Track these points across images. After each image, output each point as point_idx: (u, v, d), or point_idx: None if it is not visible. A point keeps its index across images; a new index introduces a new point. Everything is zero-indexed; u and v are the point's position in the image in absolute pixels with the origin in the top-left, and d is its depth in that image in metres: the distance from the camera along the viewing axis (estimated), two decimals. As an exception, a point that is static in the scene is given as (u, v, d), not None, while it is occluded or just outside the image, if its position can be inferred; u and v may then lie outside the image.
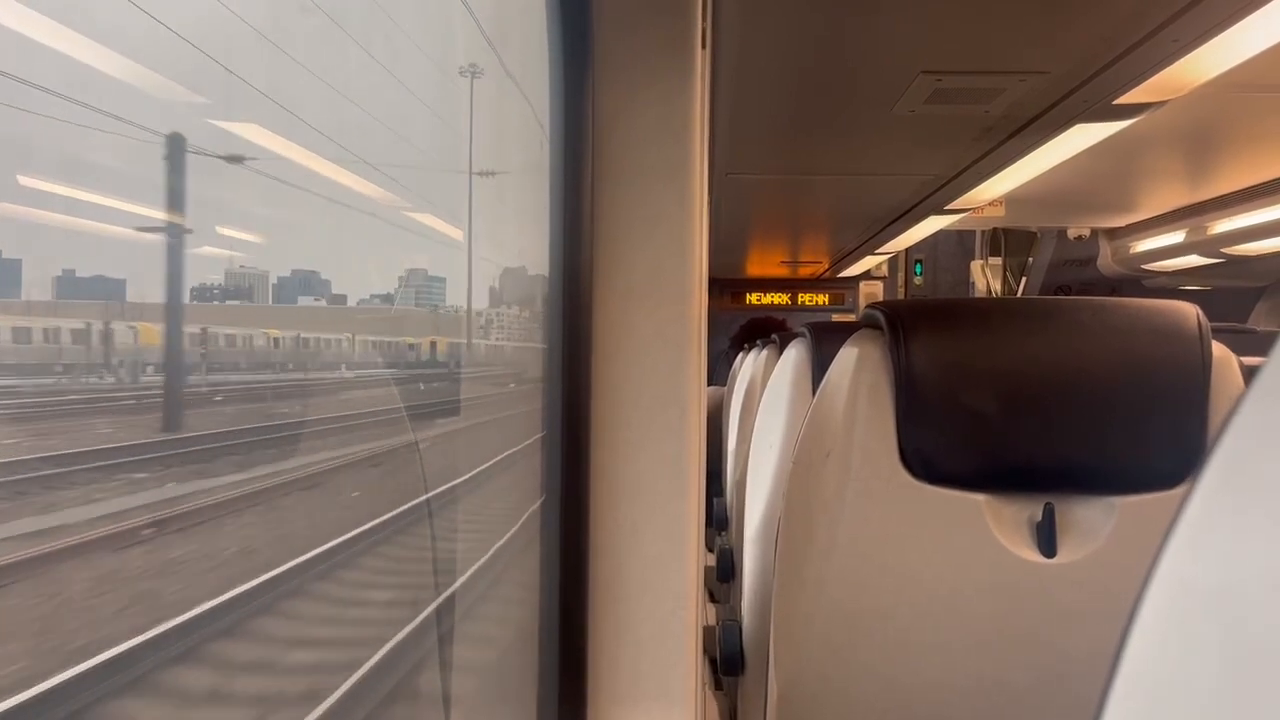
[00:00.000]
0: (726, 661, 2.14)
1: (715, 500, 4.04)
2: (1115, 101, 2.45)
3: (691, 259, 1.14)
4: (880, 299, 7.32)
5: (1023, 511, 1.35)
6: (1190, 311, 1.36)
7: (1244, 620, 0.30)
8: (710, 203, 3.84)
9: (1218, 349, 1.34)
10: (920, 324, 1.39)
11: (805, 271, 7.75)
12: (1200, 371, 1.31)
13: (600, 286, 1.12)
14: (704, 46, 1.22)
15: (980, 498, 1.35)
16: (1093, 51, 2.15)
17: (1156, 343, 1.34)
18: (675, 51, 1.10)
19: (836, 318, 7.24)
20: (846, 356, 1.46)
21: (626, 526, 1.13)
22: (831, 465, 1.41)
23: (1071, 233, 5.49)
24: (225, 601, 5.23)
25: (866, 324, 1.48)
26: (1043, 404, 1.34)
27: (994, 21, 2.02)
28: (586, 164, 1.11)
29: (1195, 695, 0.32)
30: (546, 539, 1.14)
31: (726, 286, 7.78)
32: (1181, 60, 2.12)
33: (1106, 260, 5.42)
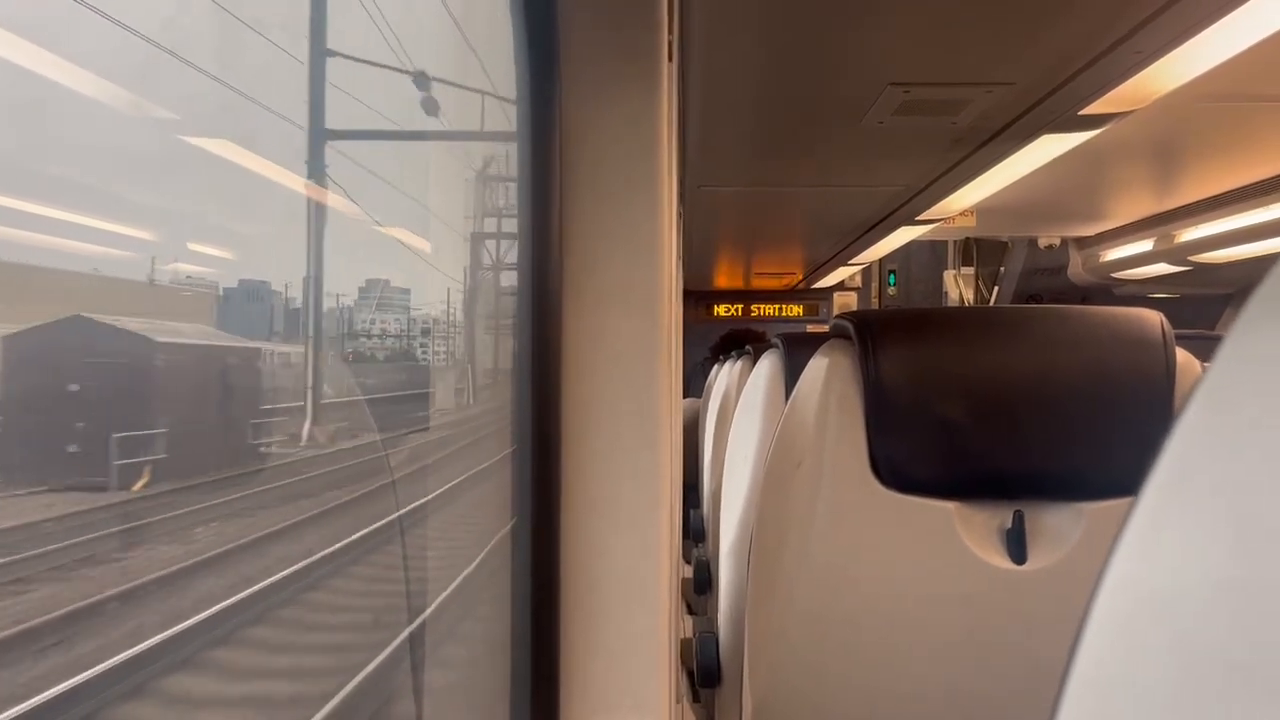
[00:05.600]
0: (703, 673, 2.14)
1: (692, 512, 4.03)
2: (1081, 112, 2.48)
3: (661, 271, 1.14)
4: (854, 309, 7.35)
5: (993, 519, 1.36)
6: (1154, 319, 1.37)
7: (1190, 623, 0.31)
8: (682, 216, 3.86)
9: (1181, 355, 1.35)
10: (888, 334, 1.39)
11: (780, 283, 7.78)
12: (1164, 378, 1.33)
13: (570, 299, 1.12)
14: (670, 59, 1.22)
15: (950, 505, 1.36)
16: (1058, 63, 2.18)
17: (1121, 350, 1.35)
18: (641, 64, 1.11)
19: (811, 329, 7.27)
20: (816, 367, 1.46)
21: (598, 540, 1.12)
22: (802, 476, 1.41)
23: (1042, 242, 5.54)
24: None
25: (836, 334, 1.49)
26: (1010, 411, 1.35)
27: (960, 33, 2.04)
28: (554, 176, 1.11)
29: (1144, 699, 0.32)
30: (518, 554, 1.14)
31: (701, 299, 7.80)
32: (1145, 71, 2.15)
33: (1077, 269, 5.47)
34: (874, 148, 3.00)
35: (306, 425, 8.99)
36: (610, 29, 1.09)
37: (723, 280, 7.64)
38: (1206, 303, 5.41)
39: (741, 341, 4.91)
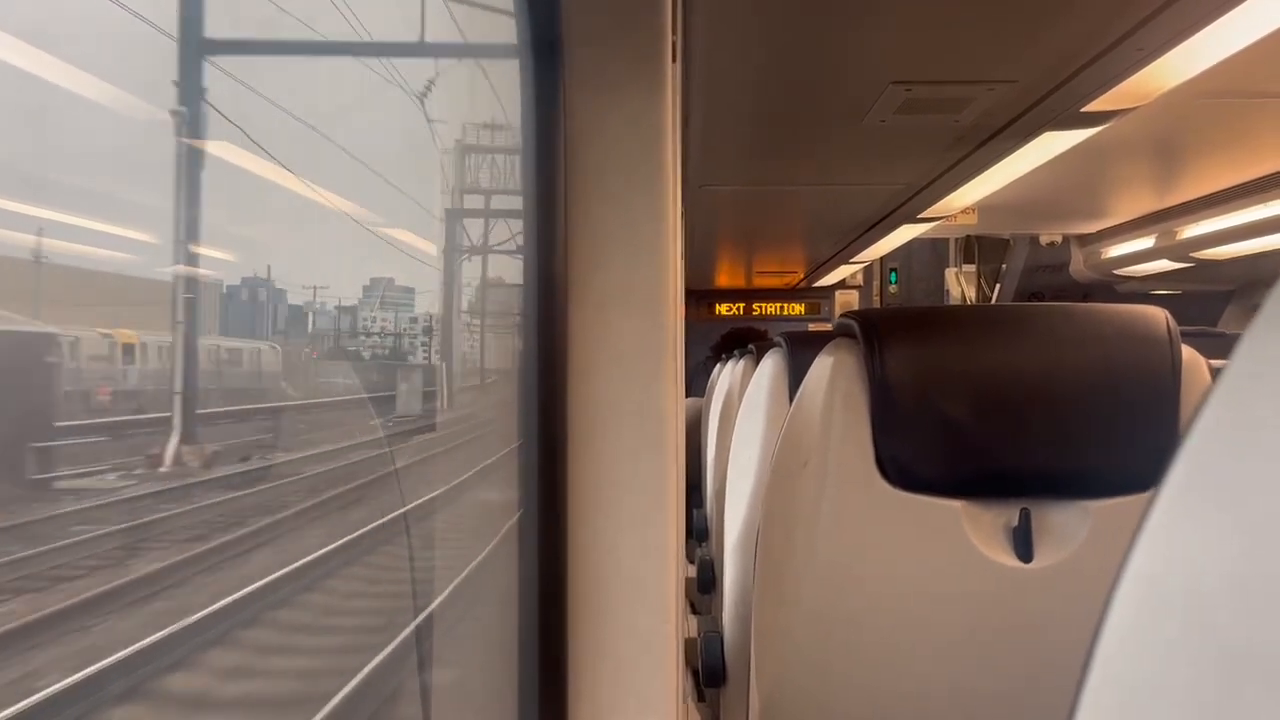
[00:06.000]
0: (708, 673, 2.13)
1: (695, 511, 4.03)
2: (1083, 109, 2.48)
3: (665, 270, 1.14)
4: (856, 307, 7.35)
5: (999, 517, 1.36)
6: (1160, 316, 1.37)
7: (1210, 619, 0.31)
8: (685, 215, 3.86)
9: (1187, 353, 1.35)
10: (894, 332, 1.39)
11: (781, 281, 7.79)
12: (1170, 375, 1.33)
13: (574, 299, 1.12)
14: (674, 60, 1.22)
15: (957, 504, 1.36)
16: (1060, 60, 2.18)
17: (1127, 347, 1.35)
18: (645, 65, 1.11)
19: (813, 327, 7.26)
20: (821, 366, 1.46)
21: (604, 540, 1.12)
22: (808, 475, 1.41)
23: (1044, 239, 5.54)
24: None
25: (841, 333, 1.48)
26: (1016, 409, 1.35)
27: (962, 31, 2.04)
28: (559, 177, 1.11)
29: (1165, 695, 0.32)
30: (524, 553, 1.14)
31: (703, 298, 7.80)
32: (1147, 68, 2.15)
33: (1078, 266, 5.47)
34: (876, 146, 3.00)
35: (172, 443, 6.69)
36: (615, 30, 1.10)
37: (724, 279, 7.64)
38: (1209, 299, 5.40)
39: (743, 340, 4.92)
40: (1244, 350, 0.33)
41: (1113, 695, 0.35)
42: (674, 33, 1.19)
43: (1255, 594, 0.29)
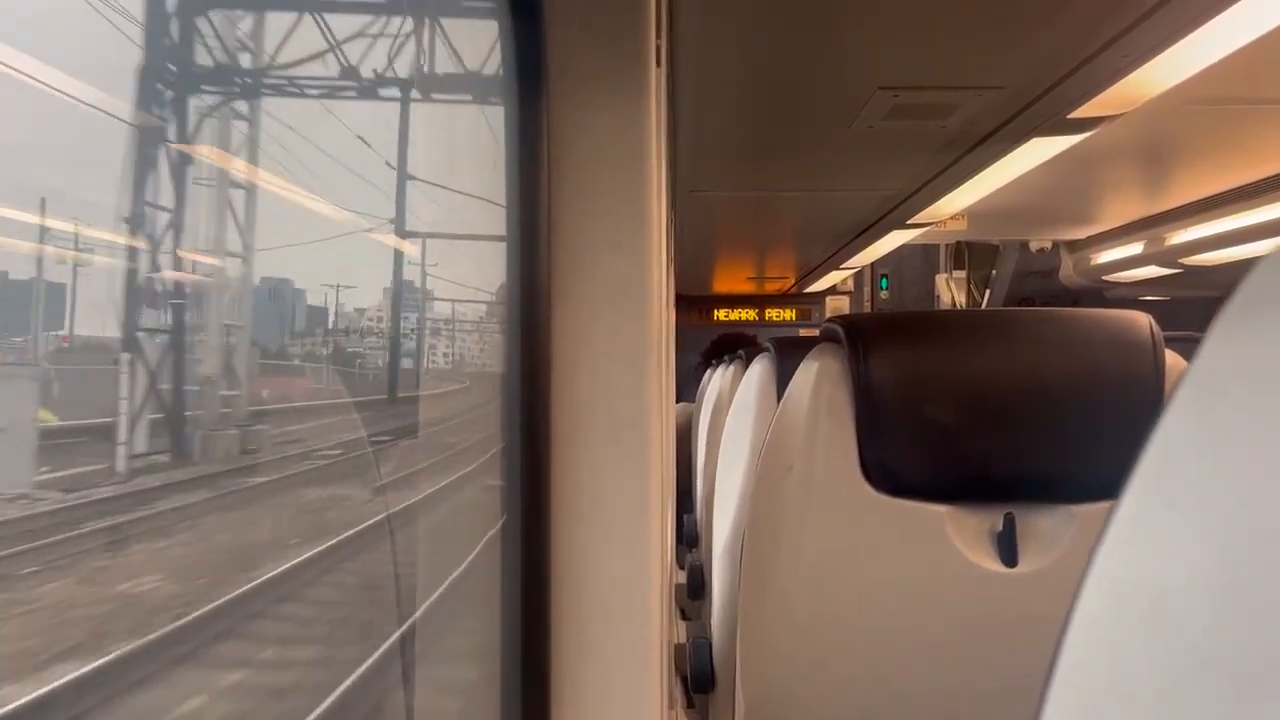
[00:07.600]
0: (696, 679, 2.13)
1: (686, 517, 4.03)
2: (1070, 115, 2.49)
3: (651, 275, 1.14)
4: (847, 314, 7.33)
5: (984, 522, 1.36)
6: (1143, 321, 1.38)
7: (1171, 619, 0.31)
8: (675, 220, 3.86)
9: (1170, 357, 1.36)
10: (878, 337, 1.39)
11: (772, 287, 7.80)
12: (1154, 379, 1.33)
13: (558, 303, 1.12)
14: (659, 64, 1.22)
15: (941, 509, 1.36)
16: (1046, 66, 2.19)
17: (1111, 352, 1.36)
18: (628, 69, 1.11)
19: (804, 333, 7.27)
20: (807, 370, 1.47)
21: (587, 545, 1.12)
22: (793, 479, 1.41)
23: (1033, 245, 5.55)
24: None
25: (826, 338, 1.49)
26: (1000, 414, 1.36)
27: (949, 37, 2.05)
28: (543, 182, 1.11)
29: (1127, 694, 0.32)
30: (507, 560, 1.13)
31: (694, 303, 7.81)
32: (1133, 74, 2.16)
33: (1068, 272, 5.48)
34: (865, 152, 3.01)
35: None
36: (598, 34, 1.09)
37: (716, 285, 7.65)
38: (1199, 305, 5.41)
39: (734, 346, 4.92)
40: (1204, 355, 0.33)
41: (1077, 695, 0.35)
42: (658, 37, 1.19)
43: (1217, 594, 0.29)
